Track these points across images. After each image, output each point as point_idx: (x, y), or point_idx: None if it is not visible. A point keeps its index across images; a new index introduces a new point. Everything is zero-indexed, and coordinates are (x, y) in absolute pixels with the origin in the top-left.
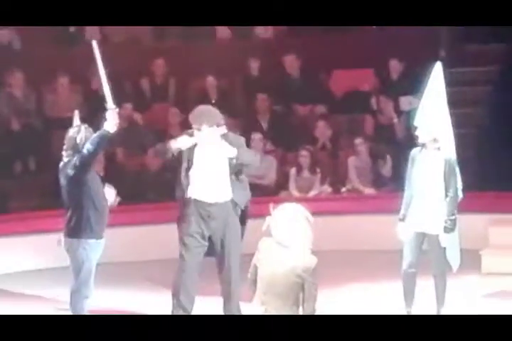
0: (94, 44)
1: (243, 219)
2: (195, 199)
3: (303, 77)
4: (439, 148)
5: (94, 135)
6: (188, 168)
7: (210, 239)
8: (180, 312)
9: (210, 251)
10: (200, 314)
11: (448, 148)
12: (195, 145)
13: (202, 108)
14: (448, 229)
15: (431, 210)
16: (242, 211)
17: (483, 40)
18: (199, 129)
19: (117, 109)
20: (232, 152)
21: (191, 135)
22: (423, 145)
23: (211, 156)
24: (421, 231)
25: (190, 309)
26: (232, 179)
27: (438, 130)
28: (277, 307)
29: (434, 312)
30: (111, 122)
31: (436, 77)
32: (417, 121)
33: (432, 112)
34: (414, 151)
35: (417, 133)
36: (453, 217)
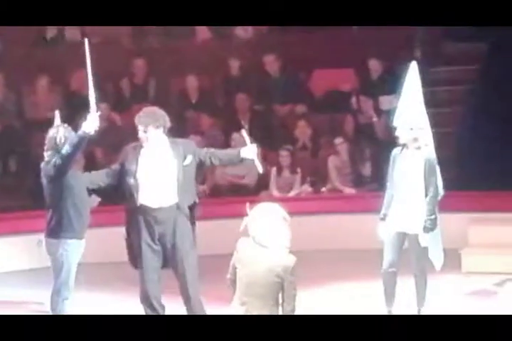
0: (86, 43)
1: (192, 222)
2: (141, 205)
3: (283, 77)
4: (419, 148)
5: (73, 136)
6: (135, 171)
7: (161, 244)
8: (149, 312)
9: (165, 258)
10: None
11: (428, 148)
12: (141, 147)
13: (148, 109)
14: (427, 229)
15: (411, 210)
16: (190, 213)
17: (463, 39)
18: (145, 131)
19: (99, 112)
20: (188, 159)
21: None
22: (404, 145)
23: (157, 159)
24: (401, 230)
25: (162, 313)
26: (179, 182)
27: (417, 130)
28: (258, 307)
29: (414, 311)
30: (91, 124)
31: (412, 77)
32: (396, 122)
33: (410, 112)
34: (395, 151)
35: (397, 133)
36: (433, 217)
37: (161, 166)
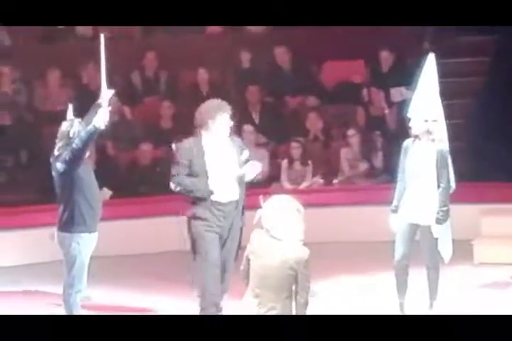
0: (102, 38)
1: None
2: (211, 197)
3: (294, 69)
4: (432, 140)
5: (83, 130)
6: (203, 164)
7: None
8: (213, 311)
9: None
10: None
11: (441, 140)
12: (201, 141)
13: (211, 101)
14: (440, 220)
15: (423, 201)
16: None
17: (474, 31)
18: (213, 120)
19: (110, 107)
20: (245, 154)
21: None
22: (416, 136)
23: (223, 153)
24: (413, 222)
25: (220, 305)
26: (240, 176)
27: (431, 122)
28: (271, 299)
29: (427, 304)
30: (101, 119)
31: (429, 69)
32: (410, 113)
33: (426, 104)
34: (407, 142)
35: (410, 124)
36: (445, 208)
37: (227, 160)
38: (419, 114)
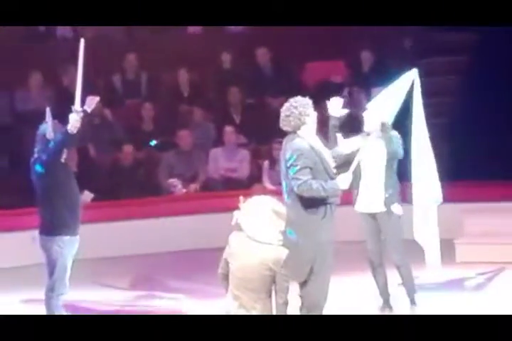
0: (82, 43)
1: None
2: None
3: (275, 70)
4: (380, 137)
5: (58, 133)
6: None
7: None
8: None
9: None
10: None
11: (390, 138)
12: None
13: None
14: (388, 201)
15: (375, 191)
16: None
17: (453, 30)
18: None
19: (82, 113)
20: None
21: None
22: (368, 133)
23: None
24: (369, 211)
25: None
26: None
27: (384, 119)
28: (250, 300)
29: (408, 302)
30: (72, 124)
31: (407, 80)
32: (368, 107)
33: (386, 107)
34: (359, 138)
35: (365, 116)
36: (391, 191)
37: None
38: (375, 112)
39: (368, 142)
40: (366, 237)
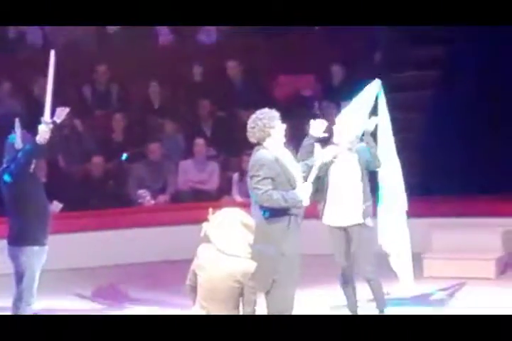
0: (52, 54)
1: None
2: None
3: (246, 83)
4: (350, 149)
5: (26, 144)
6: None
7: None
8: None
9: None
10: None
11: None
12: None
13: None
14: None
15: (346, 205)
16: None
17: (422, 43)
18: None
19: (51, 125)
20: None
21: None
22: (336, 144)
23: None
24: (342, 225)
25: None
26: None
27: (353, 136)
28: (218, 310)
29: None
30: (41, 135)
31: (371, 91)
32: (337, 121)
33: (355, 120)
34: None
35: (334, 130)
36: (368, 203)
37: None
38: (344, 126)
39: (339, 155)
40: (334, 251)
